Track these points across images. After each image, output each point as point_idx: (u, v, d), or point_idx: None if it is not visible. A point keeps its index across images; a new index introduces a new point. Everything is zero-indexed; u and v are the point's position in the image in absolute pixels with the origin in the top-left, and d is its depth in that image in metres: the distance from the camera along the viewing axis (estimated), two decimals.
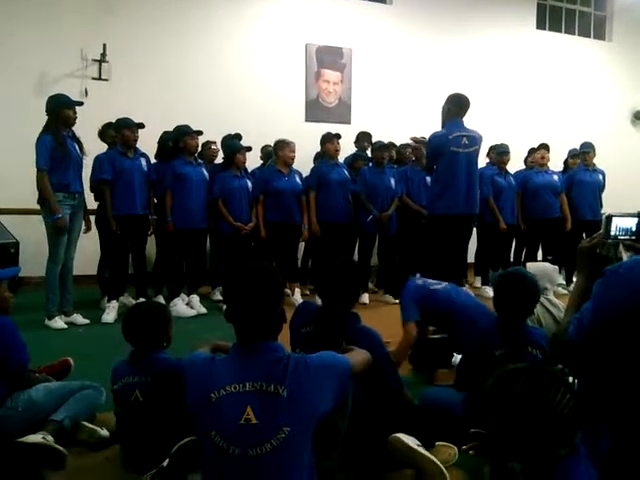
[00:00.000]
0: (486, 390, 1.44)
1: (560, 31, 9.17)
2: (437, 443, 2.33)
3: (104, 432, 2.47)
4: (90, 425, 2.49)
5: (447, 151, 4.41)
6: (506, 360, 2.39)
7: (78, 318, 4.62)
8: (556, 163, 6.96)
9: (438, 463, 2.12)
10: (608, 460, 1.48)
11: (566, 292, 5.51)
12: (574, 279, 5.36)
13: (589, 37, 9.35)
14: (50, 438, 2.28)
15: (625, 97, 9.28)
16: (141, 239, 5.08)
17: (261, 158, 6.35)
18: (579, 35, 9.27)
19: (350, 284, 2.38)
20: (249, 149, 5.48)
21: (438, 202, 4.50)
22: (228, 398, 1.61)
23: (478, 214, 4.85)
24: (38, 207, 4.46)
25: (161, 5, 6.65)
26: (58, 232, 4.36)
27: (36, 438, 2.26)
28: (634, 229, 1.72)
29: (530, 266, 3.63)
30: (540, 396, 1.34)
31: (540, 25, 8.98)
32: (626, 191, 7.49)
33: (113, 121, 5.01)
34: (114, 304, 4.81)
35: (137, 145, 4.95)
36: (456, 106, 4.48)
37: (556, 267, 3.67)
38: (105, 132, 5.25)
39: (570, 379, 1.65)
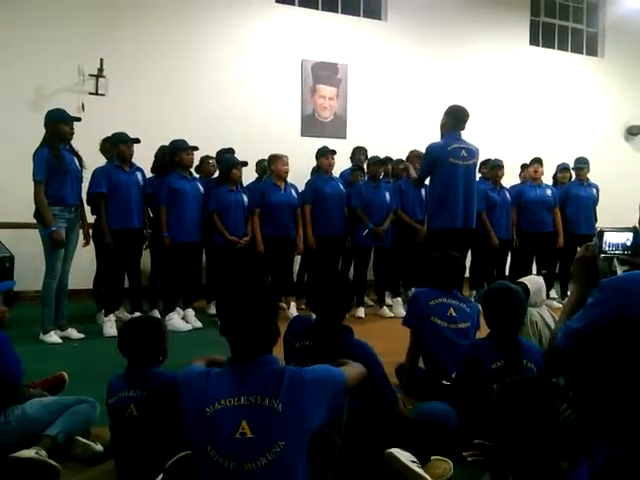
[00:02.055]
0: (491, 400, 1.44)
1: (553, 47, 9.27)
2: (432, 457, 2.32)
3: (98, 447, 2.45)
4: (84, 440, 2.47)
5: (445, 162, 4.33)
6: (503, 373, 2.41)
7: (73, 332, 4.60)
8: (550, 178, 7.02)
9: None
10: (605, 472, 1.49)
11: (560, 306, 5.53)
12: (569, 293, 5.37)
13: (581, 53, 9.45)
14: (44, 453, 2.27)
15: (618, 112, 9.37)
16: (137, 253, 5.09)
17: (257, 172, 6.38)
18: (572, 51, 9.36)
19: (340, 297, 2.40)
20: (245, 164, 5.50)
21: (437, 217, 4.42)
22: (223, 412, 1.61)
23: (475, 228, 4.72)
24: (34, 221, 4.46)
25: (158, 21, 6.70)
26: (54, 245, 4.36)
27: (29, 453, 2.25)
28: (628, 244, 1.74)
29: (531, 280, 3.63)
30: (540, 406, 1.34)
31: (533, 41, 9.07)
32: (620, 205, 7.52)
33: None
34: (112, 317, 4.80)
35: (133, 159, 4.97)
36: (453, 119, 4.44)
37: (540, 277, 3.68)
38: (104, 146, 5.27)
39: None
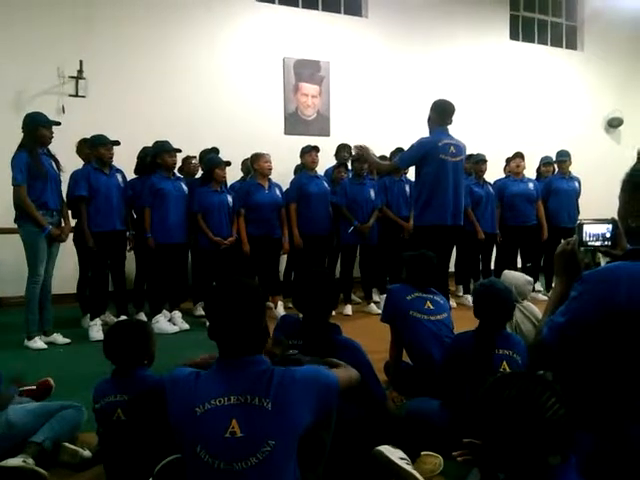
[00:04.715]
0: (478, 396, 1.43)
1: (533, 41, 9.35)
2: (423, 453, 2.34)
3: (86, 453, 2.43)
4: (72, 446, 2.45)
5: (436, 158, 4.28)
6: (487, 361, 2.44)
7: (58, 338, 4.55)
8: (533, 171, 7.07)
9: (420, 478, 2.13)
10: (589, 462, 1.50)
11: (546, 298, 5.57)
12: (554, 285, 5.41)
13: (561, 47, 9.54)
14: (31, 461, 2.25)
15: (598, 104, 9.47)
16: (120, 255, 5.05)
17: (242, 171, 6.36)
18: (552, 45, 9.45)
19: (323, 294, 2.41)
20: (228, 164, 5.48)
21: (426, 213, 4.35)
22: (213, 412, 1.61)
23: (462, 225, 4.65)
24: (15, 226, 4.41)
25: (138, 21, 6.64)
26: (57, 240, 4.44)
27: (16, 462, 2.22)
28: (608, 235, 1.75)
29: (506, 274, 3.66)
30: (528, 400, 1.33)
31: (513, 36, 9.14)
32: (602, 197, 7.59)
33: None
34: (98, 321, 4.77)
35: (114, 161, 4.92)
36: (438, 114, 4.41)
37: (531, 279, 3.68)
38: (81, 148, 5.22)
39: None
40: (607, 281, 1.49)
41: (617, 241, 1.73)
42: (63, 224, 4.60)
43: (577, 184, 6.76)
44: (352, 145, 4.85)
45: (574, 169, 6.83)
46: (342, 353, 2.15)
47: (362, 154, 4.79)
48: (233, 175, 6.09)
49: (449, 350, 2.68)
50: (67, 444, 2.45)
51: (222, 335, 1.72)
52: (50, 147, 4.49)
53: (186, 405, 1.63)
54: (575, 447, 1.46)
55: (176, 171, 5.40)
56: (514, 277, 3.55)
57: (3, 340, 4.56)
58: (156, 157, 5.08)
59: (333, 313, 2.83)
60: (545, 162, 6.93)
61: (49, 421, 2.46)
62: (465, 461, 1.66)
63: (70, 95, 6.33)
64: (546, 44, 9.42)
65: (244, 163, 6.32)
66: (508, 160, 6.84)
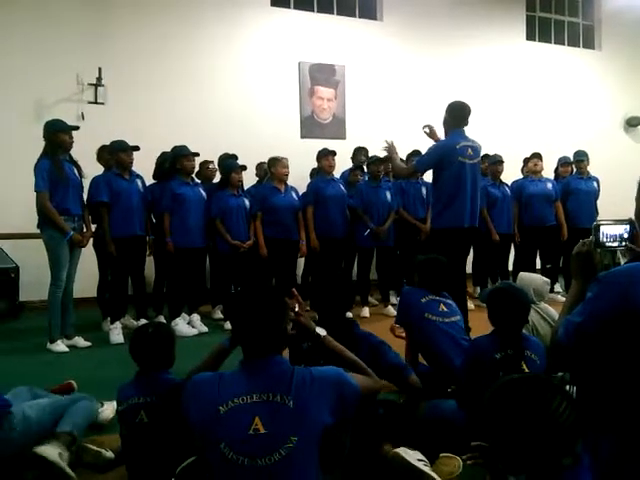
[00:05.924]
0: (486, 400, 1.41)
1: (550, 42, 9.28)
2: (441, 454, 2.33)
3: (109, 454, 2.46)
4: (95, 447, 2.48)
5: (455, 161, 4.23)
6: (506, 362, 2.43)
7: (80, 341, 4.61)
8: (551, 172, 7.02)
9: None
10: (610, 465, 1.49)
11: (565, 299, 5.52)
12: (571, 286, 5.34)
13: (578, 47, 9.46)
14: (66, 455, 2.27)
15: (617, 104, 9.37)
16: (140, 260, 5.10)
17: (257, 175, 6.40)
18: (568, 45, 9.38)
19: (338, 291, 2.48)
20: (244, 168, 5.51)
21: (444, 215, 4.30)
22: (236, 410, 1.65)
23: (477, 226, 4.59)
24: (38, 231, 4.48)
25: (155, 28, 6.72)
26: (77, 246, 4.50)
27: (53, 453, 2.24)
28: (625, 235, 1.75)
29: (522, 276, 3.64)
30: (539, 406, 1.32)
31: (530, 36, 9.09)
32: (621, 197, 7.49)
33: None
34: (118, 325, 4.83)
35: (133, 167, 4.98)
36: (453, 116, 4.37)
37: (548, 280, 3.66)
38: (101, 154, 5.29)
39: (568, 387, 1.65)
40: (623, 281, 1.49)
41: (634, 241, 1.73)
42: (85, 230, 4.67)
43: (596, 184, 6.70)
44: (384, 141, 4.77)
45: (593, 169, 6.76)
46: (361, 347, 2.20)
47: (389, 153, 4.71)
48: (250, 179, 6.13)
49: (469, 354, 2.67)
50: (90, 445, 2.48)
51: (245, 338, 1.78)
52: (70, 154, 4.56)
53: (210, 405, 1.67)
54: (594, 450, 1.46)
55: (194, 176, 5.46)
56: (530, 278, 3.53)
57: (26, 343, 4.63)
58: (175, 162, 5.13)
59: (350, 315, 2.85)
60: (563, 162, 6.88)
61: (67, 412, 2.48)
62: (475, 464, 1.65)
63: (89, 102, 6.42)
64: (563, 44, 9.35)
65: (259, 167, 6.36)
66: (526, 160, 6.80)
